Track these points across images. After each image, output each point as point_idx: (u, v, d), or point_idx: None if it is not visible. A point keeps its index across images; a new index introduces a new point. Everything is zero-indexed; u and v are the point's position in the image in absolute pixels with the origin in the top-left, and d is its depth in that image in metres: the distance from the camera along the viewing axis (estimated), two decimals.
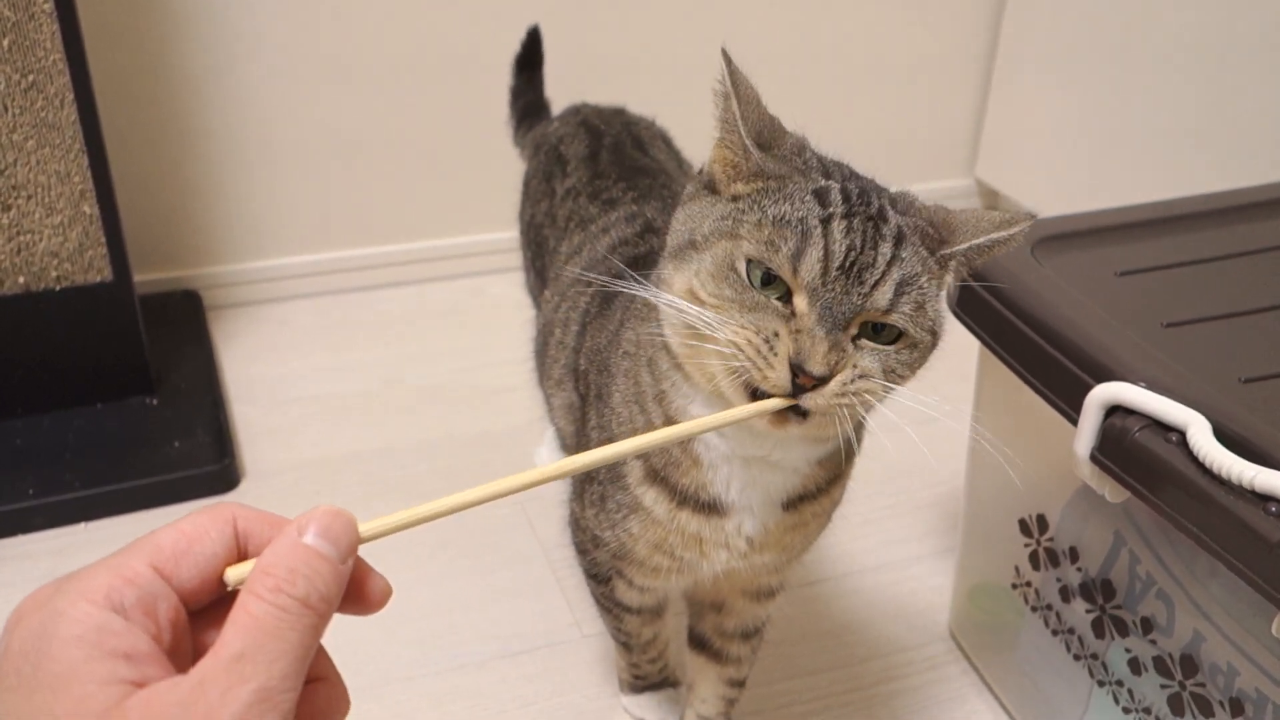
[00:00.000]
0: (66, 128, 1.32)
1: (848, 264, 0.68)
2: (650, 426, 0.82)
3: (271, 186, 1.77)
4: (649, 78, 1.78)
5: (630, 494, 0.86)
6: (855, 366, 0.69)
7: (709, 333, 0.70)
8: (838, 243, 0.68)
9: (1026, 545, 1.05)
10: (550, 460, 1.45)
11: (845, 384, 0.68)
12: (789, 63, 1.93)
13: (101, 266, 1.41)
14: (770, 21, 1.87)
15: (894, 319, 0.70)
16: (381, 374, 1.66)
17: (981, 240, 0.73)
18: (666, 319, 0.75)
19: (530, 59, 1.40)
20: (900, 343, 0.71)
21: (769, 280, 0.69)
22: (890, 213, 0.72)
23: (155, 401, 1.49)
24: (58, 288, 1.39)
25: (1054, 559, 1.02)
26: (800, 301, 0.68)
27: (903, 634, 1.25)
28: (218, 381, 1.57)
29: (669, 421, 0.81)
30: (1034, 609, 1.06)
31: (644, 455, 0.85)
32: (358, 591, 0.47)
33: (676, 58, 1.82)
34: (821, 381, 0.67)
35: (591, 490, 0.91)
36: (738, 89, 0.72)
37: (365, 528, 0.47)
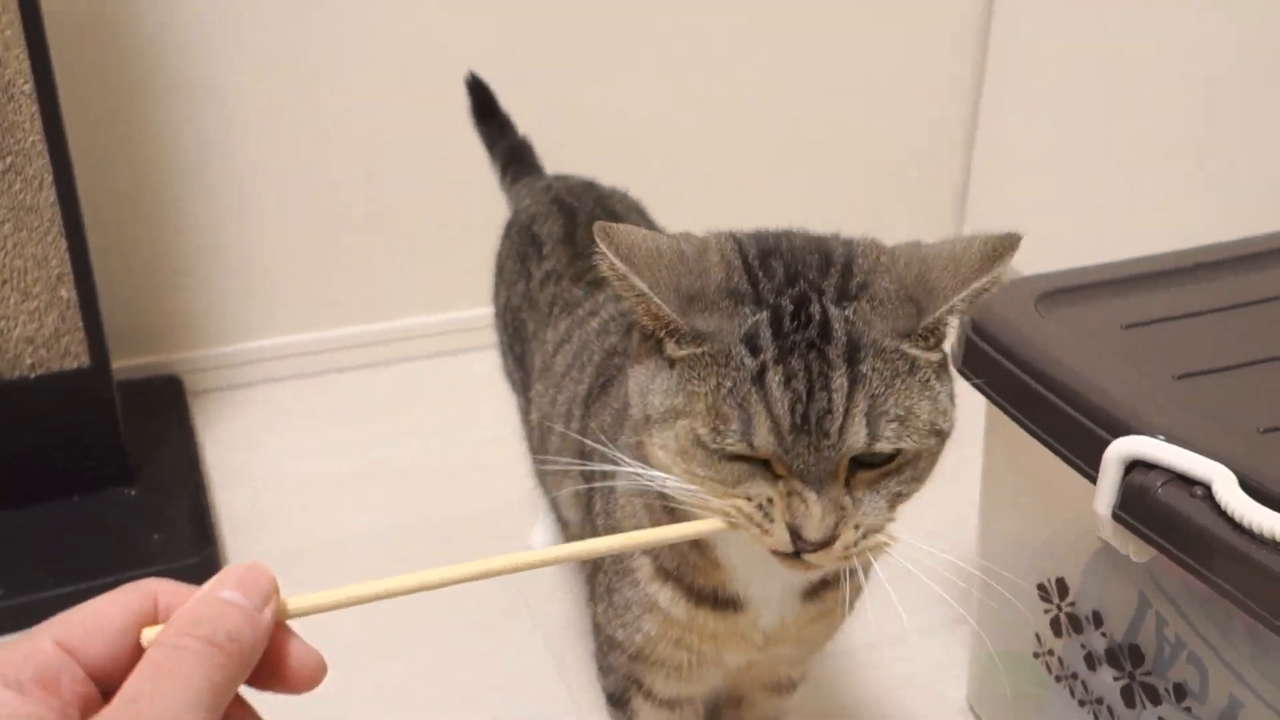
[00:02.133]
0: (45, 210, 1.29)
1: (799, 420, 0.60)
2: (655, 521, 0.77)
3: (254, 267, 1.74)
4: (623, 142, 1.77)
5: (641, 591, 0.81)
6: (858, 527, 0.63)
7: (701, 502, 0.64)
8: (779, 402, 0.60)
9: (1047, 611, 1.01)
10: (545, 542, 1.41)
11: (848, 546, 0.63)
12: (769, 118, 1.92)
13: (79, 352, 1.37)
14: (746, 79, 1.87)
15: (881, 446, 0.62)
16: (369, 455, 1.62)
17: (964, 293, 0.63)
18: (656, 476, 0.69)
19: (484, 107, 1.37)
20: (900, 458, 0.63)
21: (742, 454, 0.63)
22: (835, 319, 0.62)
23: (133, 492, 1.45)
24: (32, 375, 1.35)
25: (1077, 625, 0.97)
26: (779, 466, 0.62)
27: (919, 709, 1.20)
28: (199, 469, 1.52)
29: (674, 516, 0.76)
30: (1058, 679, 1.01)
31: (653, 556, 0.80)
32: (278, 659, 0.45)
33: (650, 120, 1.82)
34: (823, 544, 0.62)
35: (599, 581, 0.87)
36: (632, 263, 0.63)
37: (299, 602, 0.46)
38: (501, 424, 1.36)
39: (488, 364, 1.75)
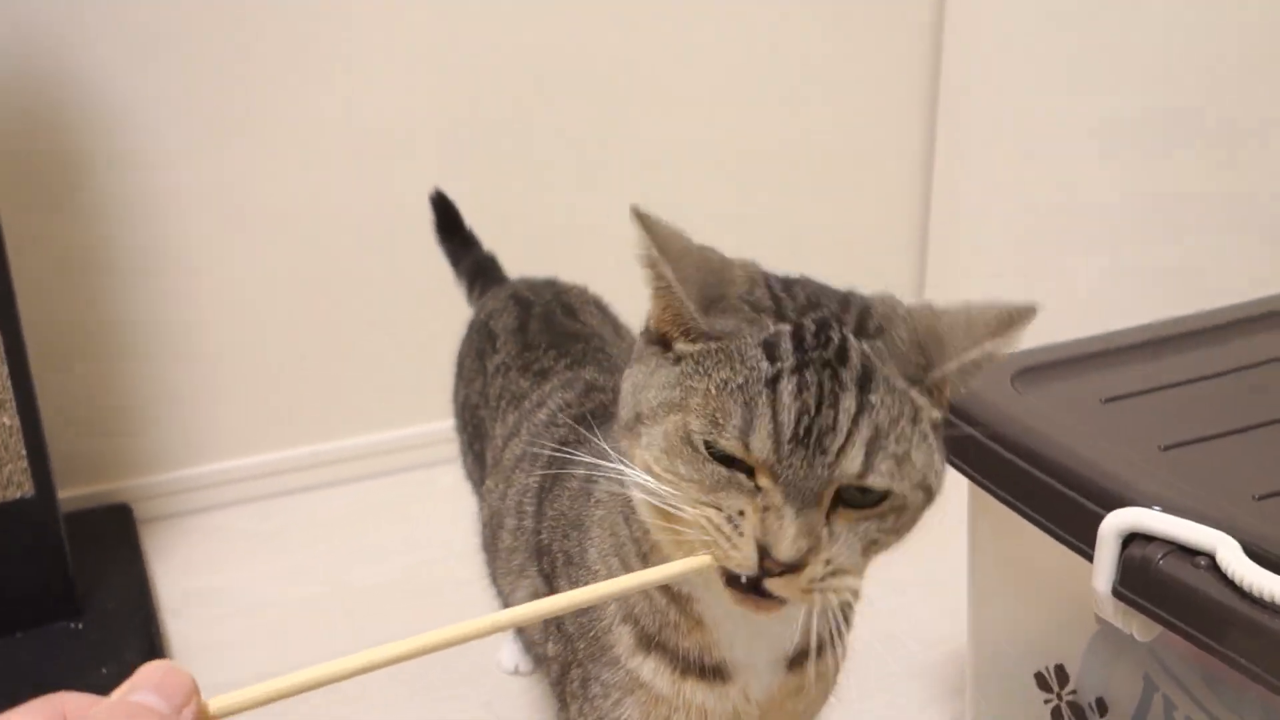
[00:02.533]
0: None
1: (801, 432, 0.59)
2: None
3: (203, 390, 1.69)
4: (583, 243, 1.76)
5: (622, 669, 0.77)
6: (828, 562, 0.60)
7: (674, 510, 0.62)
8: (787, 409, 0.59)
9: (1047, 701, 0.96)
10: (515, 657, 1.35)
11: (813, 580, 0.60)
12: (724, 207, 1.92)
13: (22, 481, 1.31)
14: (703, 175, 1.88)
15: (872, 481, 0.60)
16: (327, 577, 1.55)
17: (975, 354, 0.63)
18: (633, 489, 0.67)
19: (448, 223, 1.36)
20: (886, 503, 0.62)
21: (730, 455, 0.61)
22: (853, 346, 0.62)
23: (81, 625, 1.37)
24: None
25: (1080, 714, 0.93)
26: (763, 479, 0.60)
27: None
28: (150, 598, 1.45)
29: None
30: None
31: (633, 622, 0.76)
32: None
33: (610, 217, 1.81)
34: (790, 568, 0.59)
35: (571, 679, 0.82)
36: (665, 250, 0.64)
37: (221, 701, 0.43)
38: (468, 538, 1.31)
39: (452, 477, 1.71)
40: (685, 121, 1.83)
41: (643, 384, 0.66)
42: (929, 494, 0.64)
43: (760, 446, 0.59)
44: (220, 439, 1.72)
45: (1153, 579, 0.75)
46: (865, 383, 0.61)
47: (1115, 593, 0.78)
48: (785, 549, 0.59)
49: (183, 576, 1.55)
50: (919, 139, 2.03)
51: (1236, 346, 1.06)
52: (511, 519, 0.93)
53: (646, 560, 0.73)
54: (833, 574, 0.60)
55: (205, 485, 1.71)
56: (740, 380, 0.61)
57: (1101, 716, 0.91)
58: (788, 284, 0.67)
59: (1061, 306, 1.74)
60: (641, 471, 0.64)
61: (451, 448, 1.69)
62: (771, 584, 0.60)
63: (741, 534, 0.60)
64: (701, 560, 0.62)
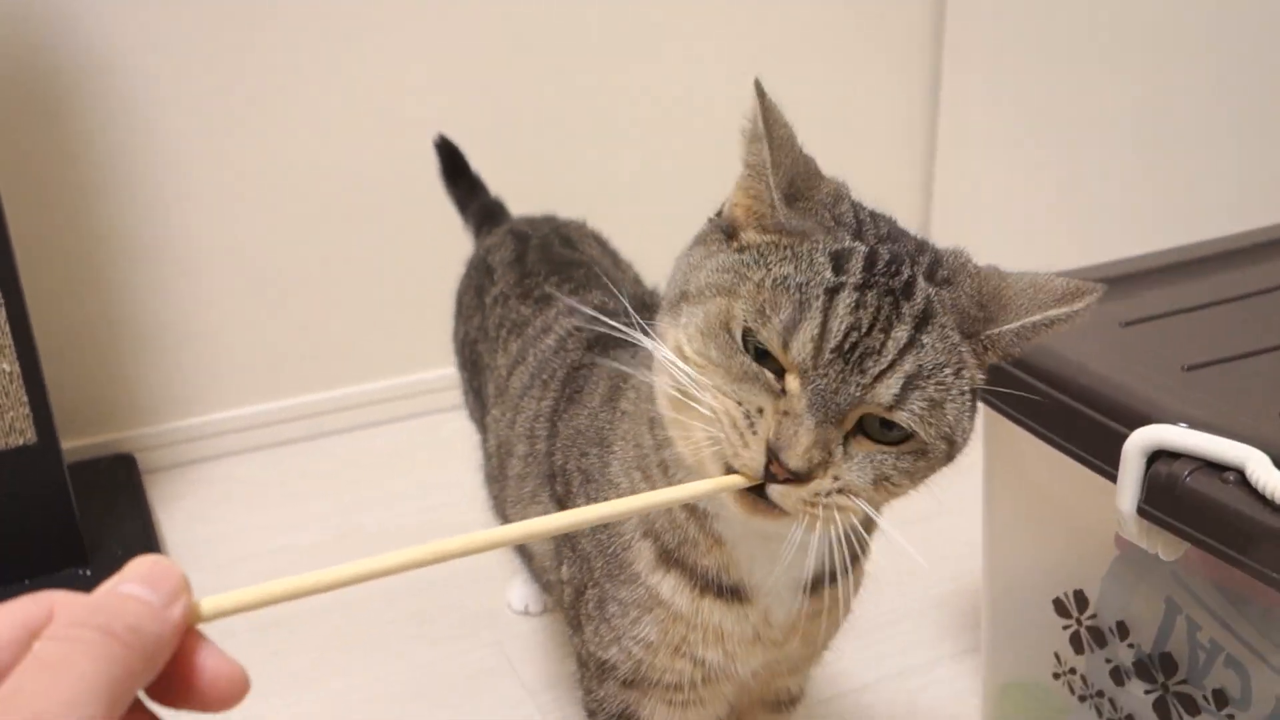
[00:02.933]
0: None
1: (847, 346, 0.58)
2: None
3: (204, 338, 1.67)
4: (586, 193, 1.74)
5: (641, 585, 0.76)
6: (836, 479, 0.59)
7: (695, 394, 0.61)
8: (839, 319, 0.59)
9: (1066, 627, 0.96)
10: (524, 597, 1.34)
11: (817, 494, 0.59)
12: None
13: (24, 428, 1.29)
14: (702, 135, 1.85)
15: (899, 417, 0.59)
16: (335, 524, 1.54)
17: (1037, 318, 0.63)
18: (656, 375, 0.67)
19: (454, 168, 1.34)
20: (907, 445, 0.61)
21: (764, 352, 0.60)
22: (920, 286, 0.62)
23: (89, 572, 1.36)
24: None
25: (1100, 638, 0.92)
26: (792, 381, 0.59)
27: None
28: (157, 546, 1.44)
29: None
30: (1082, 698, 0.96)
31: (654, 537, 0.75)
32: (190, 669, 0.39)
33: (613, 173, 1.79)
34: (796, 477, 0.58)
35: (586, 600, 0.81)
36: (771, 131, 0.63)
37: (214, 602, 0.41)
38: (471, 482, 1.30)
39: (456, 423, 1.70)
40: (685, 97, 1.80)
41: (698, 264, 0.65)
42: (951, 449, 0.63)
43: (800, 348, 0.59)
44: (223, 388, 1.71)
45: (1179, 496, 0.74)
46: (922, 322, 0.61)
47: (1140, 512, 0.77)
48: (796, 456, 0.58)
49: (189, 525, 1.54)
50: (921, 119, 2.00)
51: (1256, 270, 1.04)
52: (522, 445, 0.92)
53: (667, 471, 0.72)
54: (839, 492, 0.60)
55: (209, 434, 1.70)
56: (801, 280, 0.60)
57: (1122, 640, 0.90)
58: (872, 213, 0.67)
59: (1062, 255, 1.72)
60: (674, 353, 0.63)
61: (453, 395, 1.68)
62: (773, 490, 0.59)
63: (755, 433, 0.59)
64: (723, 482, 0.60)
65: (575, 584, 0.82)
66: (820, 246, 0.62)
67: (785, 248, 0.62)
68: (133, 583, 0.38)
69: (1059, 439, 0.86)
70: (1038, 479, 0.98)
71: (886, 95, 1.98)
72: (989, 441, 1.03)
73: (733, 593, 0.74)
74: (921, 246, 0.66)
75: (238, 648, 0.42)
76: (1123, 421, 0.79)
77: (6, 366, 1.26)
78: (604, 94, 1.76)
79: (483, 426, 1.12)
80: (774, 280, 0.61)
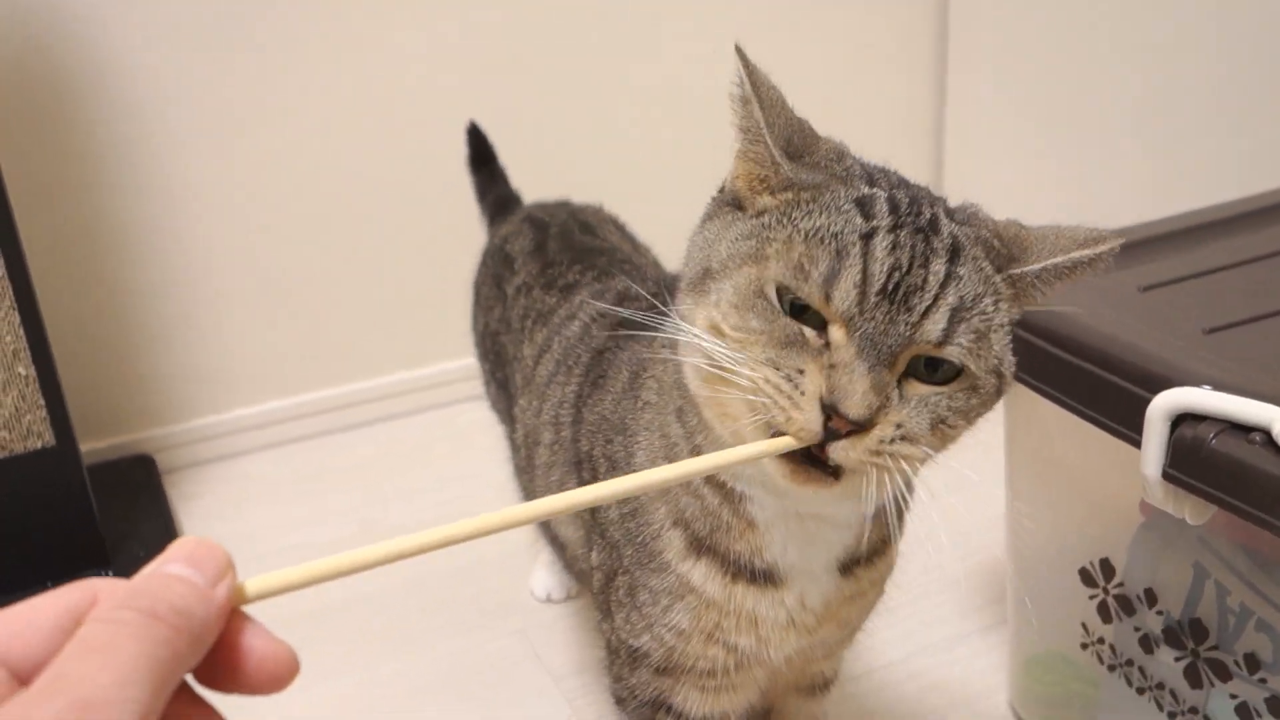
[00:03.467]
0: None
1: (891, 287, 0.58)
2: (686, 484, 0.73)
3: (219, 336, 1.67)
4: (610, 172, 1.73)
5: (672, 574, 0.75)
6: (898, 425, 0.58)
7: (730, 367, 0.60)
8: (879, 262, 0.58)
9: (1093, 596, 0.95)
10: (547, 585, 1.34)
11: (881, 442, 0.58)
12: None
13: (42, 431, 1.30)
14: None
15: (949, 352, 0.59)
16: (357, 519, 1.54)
17: (1061, 260, 0.63)
18: (686, 357, 0.66)
19: (480, 155, 1.34)
20: (958, 383, 0.60)
21: (802, 308, 0.60)
22: (944, 222, 0.62)
23: (111, 574, 1.36)
24: None
25: (1127, 606, 0.91)
26: (836, 332, 0.59)
27: (960, 718, 1.13)
28: None
29: (708, 475, 0.72)
30: (1111, 667, 0.95)
31: (684, 526, 0.74)
32: (236, 651, 0.39)
33: (619, 168, 1.78)
34: (858, 428, 0.57)
35: (616, 586, 0.80)
36: (759, 91, 0.63)
37: (259, 583, 0.40)
38: (492, 473, 1.30)
39: (472, 415, 1.70)
40: (692, 84, 1.79)
41: (715, 238, 0.65)
42: (1000, 383, 0.63)
43: (843, 297, 0.58)
44: (240, 385, 1.71)
45: (1205, 458, 0.73)
46: (955, 255, 0.61)
47: (1166, 476, 0.76)
48: (856, 403, 0.56)
49: (208, 523, 1.55)
50: (927, 109, 1.99)
51: (1273, 231, 1.03)
52: (548, 433, 0.91)
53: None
54: (902, 439, 0.58)
55: (227, 432, 1.70)
56: (835, 229, 0.60)
57: (1150, 607, 0.89)
58: (879, 167, 0.68)
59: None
60: (705, 331, 0.62)
61: (469, 386, 1.67)
62: (836, 448, 0.58)
63: (803, 393, 0.58)
64: (776, 444, 0.59)
65: (605, 570, 0.82)
66: (842, 195, 0.62)
67: (806, 202, 0.62)
68: (177, 563, 0.38)
69: (1080, 406, 0.85)
70: (1059, 448, 0.97)
71: (892, 85, 1.96)
72: (1009, 411, 1.02)
73: (766, 577, 0.73)
74: (933, 195, 0.67)
75: None
76: (1145, 386, 0.78)
77: (23, 370, 1.26)
78: (611, 82, 1.75)
79: (508, 418, 1.11)
80: (805, 234, 0.60)
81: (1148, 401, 0.77)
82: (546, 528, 1.04)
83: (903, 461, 0.59)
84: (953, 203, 0.68)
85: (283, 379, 1.73)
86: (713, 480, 0.72)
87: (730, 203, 0.67)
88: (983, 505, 1.26)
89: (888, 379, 0.58)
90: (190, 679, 0.38)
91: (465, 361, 1.57)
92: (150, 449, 1.66)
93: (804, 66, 1.85)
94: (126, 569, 1.37)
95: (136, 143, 1.54)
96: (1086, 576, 0.95)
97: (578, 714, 1.17)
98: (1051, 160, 1.81)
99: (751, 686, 0.82)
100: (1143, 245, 1.02)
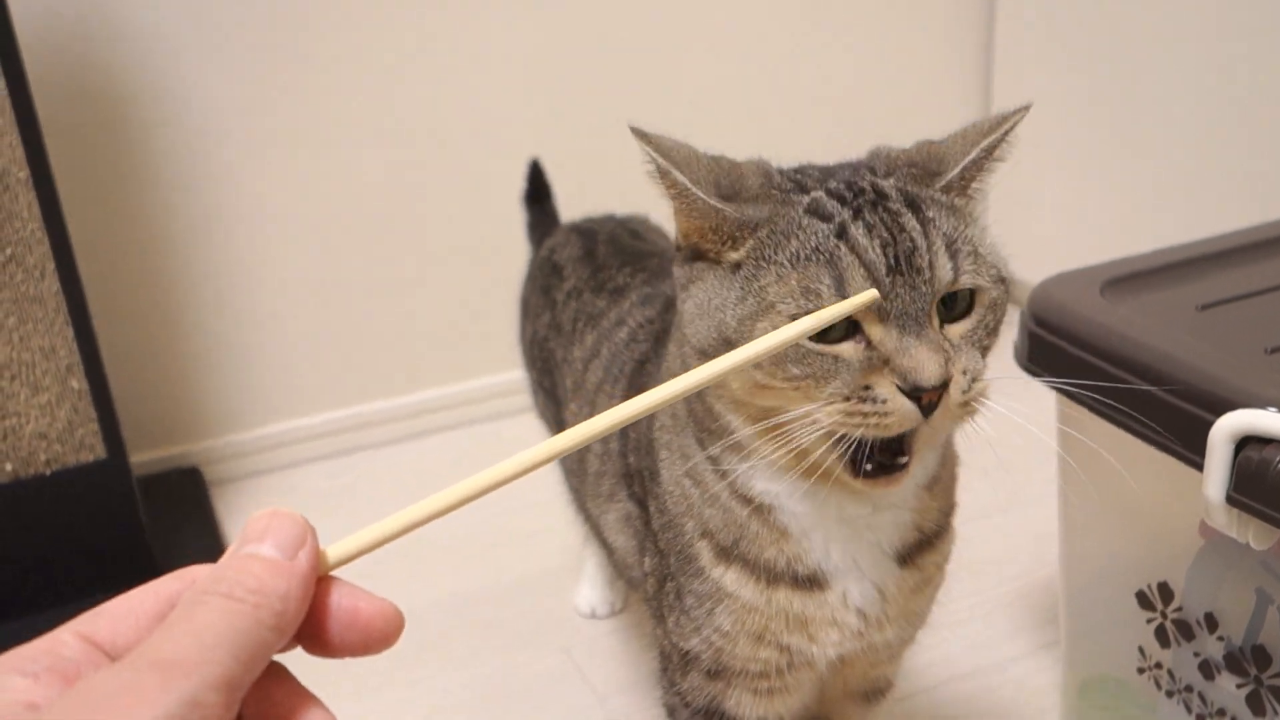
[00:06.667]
0: (49, 300, 1.24)
1: (892, 261, 0.61)
2: (709, 499, 0.74)
3: (267, 350, 1.69)
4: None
5: (709, 580, 0.76)
6: (965, 371, 0.62)
7: (799, 420, 0.63)
8: (869, 248, 0.61)
9: (1150, 620, 0.93)
10: (591, 601, 1.34)
11: (964, 392, 0.62)
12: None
13: (94, 444, 1.31)
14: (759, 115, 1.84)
15: (965, 282, 0.63)
16: None
17: (975, 154, 0.67)
18: (732, 415, 0.69)
19: (537, 192, 1.35)
20: (977, 308, 0.65)
21: (819, 335, 0.61)
22: (884, 184, 0.66)
23: None
24: (48, 471, 1.29)
25: (1186, 631, 0.90)
26: (873, 329, 0.61)
27: None
28: None
29: (732, 489, 0.73)
30: (1170, 693, 0.93)
31: (709, 536, 0.75)
32: (333, 614, 0.41)
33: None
34: (943, 388, 0.60)
35: (668, 591, 0.81)
36: (671, 158, 0.65)
37: (340, 548, 0.42)
38: (541, 488, 1.30)
39: (518, 429, 1.70)
40: (737, 76, 1.79)
41: (715, 305, 0.66)
42: (1004, 285, 0.67)
43: (860, 290, 0.61)
44: (287, 398, 1.72)
45: (1272, 482, 0.71)
46: (914, 206, 0.64)
47: (1229, 499, 0.75)
48: (932, 370, 0.60)
49: None
50: (975, 96, 1.97)
51: None
52: (598, 443, 0.91)
53: (726, 476, 0.72)
54: (974, 381, 0.63)
55: (274, 446, 1.72)
56: (811, 245, 0.62)
57: (1211, 633, 0.87)
58: (796, 169, 0.71)
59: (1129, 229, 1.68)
60: (743, 392, 0.65)
61: (516, 400, 1.68)
62: (938, 418, 0.61)
63: (885, 400, 0.60)
64: (858, 299, 0.60)
65: (657, 575, 0.83)
66: (794, 214, 0.64)
67: (768, 238, 0.64)
68: (253, 541, 0.39)
69: (1139, 427, 0.83)
70: (1116, 469, 0.95)
71: (938, 73, 1.95)
72: (1063, 430, 1.00)
73: (810, 581, 0.73)
74: (850, 166, 0.70)
75: (306, 663, 0.41)
76: (1206, 407, 0.77)
77: (76, 384, 1.28)
78: (654, 87, 1.75)
79: (556, 424, 1.12)
80: (789, 261, 0.63)
81: (1209, 423, 0.75)
82: (597, 533, 1.04)
83: (980, 400, 0.63)
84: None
85: (330, 393, 1.74)
86: (738, 492, 0.73)
87: (694, 257, 0.69)
88: (1034, 524, 1.25)
89: (934, 335, 0.62)
90: (287, 665, 0.39)
91: (511, 375, 1.57)
92: (198, 461, 1.68)
93: (849, 72, 1.85)
94: None
95: (188, 161, 1.56)
96: (1144, 600, 0.93)
97: None
98: (1102, 173, 1.79)
99: (805, 688, 0.82)
100: (1200, 262, 1.00)
